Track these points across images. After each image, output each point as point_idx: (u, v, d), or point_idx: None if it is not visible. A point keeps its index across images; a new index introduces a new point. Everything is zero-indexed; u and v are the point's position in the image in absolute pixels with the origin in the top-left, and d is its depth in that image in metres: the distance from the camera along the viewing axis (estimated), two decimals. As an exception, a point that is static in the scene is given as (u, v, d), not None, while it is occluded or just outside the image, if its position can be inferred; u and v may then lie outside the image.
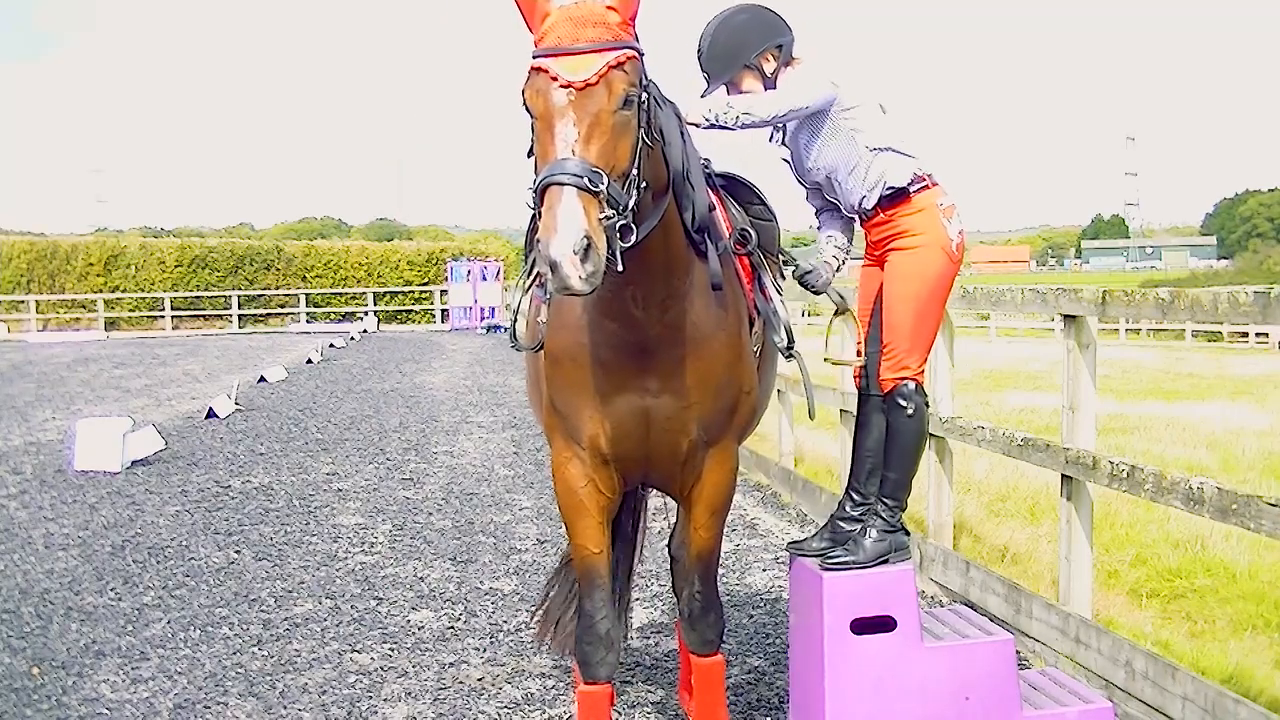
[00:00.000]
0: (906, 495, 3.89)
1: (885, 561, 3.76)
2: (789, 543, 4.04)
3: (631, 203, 2.91)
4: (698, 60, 3.85)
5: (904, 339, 3.79)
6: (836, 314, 4.10)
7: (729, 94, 3.81)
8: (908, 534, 3.89)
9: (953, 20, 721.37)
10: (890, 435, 3.86)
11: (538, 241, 2.80)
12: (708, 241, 3.49)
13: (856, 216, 3.96)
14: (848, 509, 3.94)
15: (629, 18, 2.99)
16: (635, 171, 2.95)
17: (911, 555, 3.94)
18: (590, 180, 2.79)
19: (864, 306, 3.99)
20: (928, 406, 3.86)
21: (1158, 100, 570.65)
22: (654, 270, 3.29)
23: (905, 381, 3.79)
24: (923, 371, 3.84)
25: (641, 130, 2.98)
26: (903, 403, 3.79)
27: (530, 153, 2.98)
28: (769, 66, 3.82)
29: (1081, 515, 4.93)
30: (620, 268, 2.86)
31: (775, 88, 3.80)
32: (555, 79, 2.87)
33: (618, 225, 2.85)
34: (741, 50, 3.78)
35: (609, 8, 2.98)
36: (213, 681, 5.10)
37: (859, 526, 3.86)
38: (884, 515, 3.83)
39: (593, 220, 2.76)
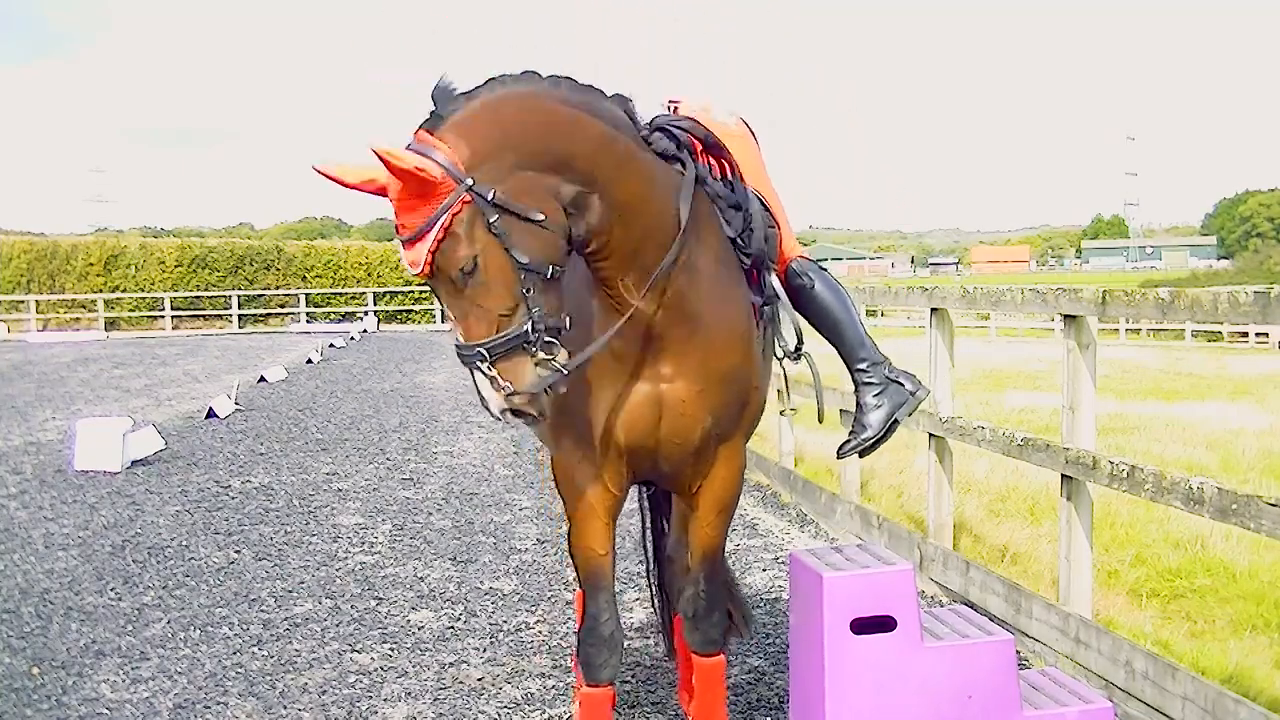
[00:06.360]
0: (873, 348, 3.79)
1: (896, 422, 3.69)
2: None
3: (540, 326, 2.90)
4: None
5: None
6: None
7: None
8: (901, 382, 3.77)
9: (952, 18, 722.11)
10: (814, 314, 3.83)
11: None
12: (717, 206, 3.50)
13: None
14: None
15: (459, 159, 2.78)
16: (525, 301, 2.89)
17: (918, 392, 3.79)
18: (481, 355, 2.87)
19: None
20: (824, 270, 3.86)
21: (1158, 100, 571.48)
22: (629, 253, 3.22)
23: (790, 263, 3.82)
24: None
25: (513, 256, 2.85)
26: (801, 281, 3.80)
27: None
28: None
29: (1081, 515, 4.93)
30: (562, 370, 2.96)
31: None
32: (413, 265, 2.85)
33: (540, 341, 2.91)
34: None
35: (427, 149, 2.78)
36: (213, 681, 5.10)
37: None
38: (866, 380, 3.76)
39: (517, 377, 2.90)
